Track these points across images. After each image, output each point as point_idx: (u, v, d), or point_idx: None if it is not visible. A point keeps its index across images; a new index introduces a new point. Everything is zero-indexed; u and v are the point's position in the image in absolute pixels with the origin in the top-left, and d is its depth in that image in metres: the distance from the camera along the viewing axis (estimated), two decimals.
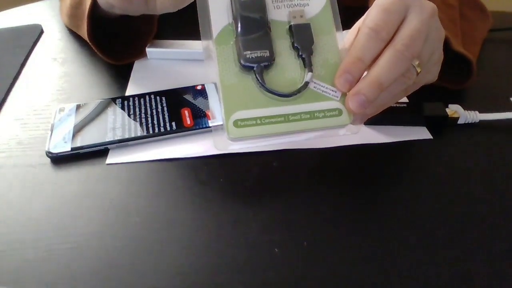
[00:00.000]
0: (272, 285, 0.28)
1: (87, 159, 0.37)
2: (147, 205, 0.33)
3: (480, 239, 0.31)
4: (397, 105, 0.40)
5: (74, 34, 0.54)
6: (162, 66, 0.49)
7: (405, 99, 0.43)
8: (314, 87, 0.32)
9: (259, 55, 0.32)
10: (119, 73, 0.48)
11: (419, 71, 0.33)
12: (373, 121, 0.40)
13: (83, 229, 0.32)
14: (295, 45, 0.33)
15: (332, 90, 0.32)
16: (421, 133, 0.40)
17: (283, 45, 0.33)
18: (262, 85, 0.31)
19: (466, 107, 0.40)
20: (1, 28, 0.56)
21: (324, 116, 0.32)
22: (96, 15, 0.46)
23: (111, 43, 0.48)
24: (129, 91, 0.45)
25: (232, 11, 0.33)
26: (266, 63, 0.32)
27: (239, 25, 0.32)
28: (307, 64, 0.32)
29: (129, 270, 0.29)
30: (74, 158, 0.37)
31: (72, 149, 0.37)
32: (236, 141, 0.32)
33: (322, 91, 0.32)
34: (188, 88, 0.44)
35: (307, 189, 0.35)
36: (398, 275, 0.29)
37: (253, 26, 0.32)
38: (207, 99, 0.42)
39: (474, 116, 0.40)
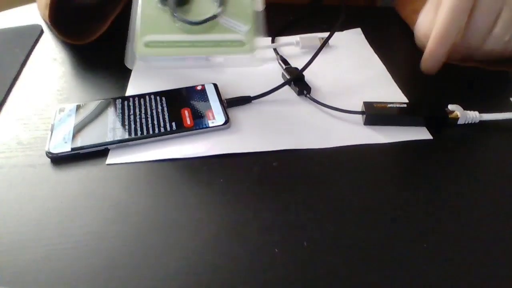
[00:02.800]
0: (272, 285, 0.28)
1: (87, 159, 0.37)
2: (147, 205, 0.33)
3: (479, 240, 0.31)
4: (397, 105, 0.40)
5: None
6: (162, 66, 0.49)
7: (405, 99, 0.43)
8: (224, 23, 0.37)
9: None
10: (119, 73, 0.48)
11: None
12: (373, 121, 0.40)
13: (83, 229, 0.32)
14: None
15: (239, 26, 0.37)
16: (421, 133, 0.40)
17: None
18: (174, 13, 0.36)
19: (466, 107, 0.40)
20: (1, 28, 0.56)
21: (228, 45, 0.38)
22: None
23: (72, 26, 0.51)
24: (129, 91, 0.45)
25: None
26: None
27: None
28: (220, 1, 0.37)
29: (129, 270, 0.29)
30: (74, 158, 0.37)
31: (72, 149, 0.37)
32: (144, 60, 0.39)
33: (230, 26, 0.37)
34: (188, 88, 0.44)
35: (307, 189, 0.35)
36: (398, 275, 0.29)
37: None
38: (207, 99, 0.42)
39: (474, 116, 0.40)
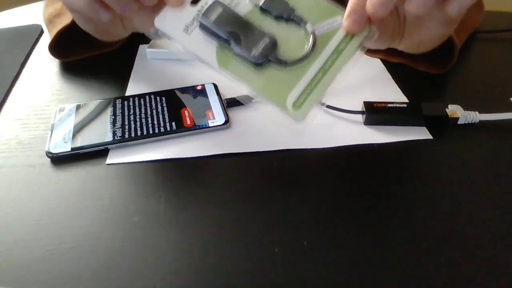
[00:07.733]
0: (272, 285, 0.28)
1: (87, 159, 0.37)
2: (147, 205, 0.33)
3: (480, 239, 0.31)
4: (397, 105, 0.40)
5: None
6: (162, 66, 0.49)
7: (405, 99, 0.43)
8: (318, 32, 0.33)
9: (263, 46, 0.33)
10: (119, 73, 0.48)
11: None
12: (373, 121, 0.40)
13: (83, 229, 0.32)
14: (276, 16, 0.34)
15: (333, 22, 0.33)
16: (421, 133, 0.40)
17: (269, 24, 0.34)
18: (285, 64, 0.32)
19: (466, 107, 0.40)
20: (1, 28, 0.56)
21: (347, 43, 0.33)
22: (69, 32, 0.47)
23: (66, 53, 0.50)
24: (129, 91, 0.45)
25: (212, 33, 0.33)
26: (273, 46, 0.33)
27: (225, 38, 0.33)
28: (298, 20, 0.33)
29: (128, 270, 0.29)
30: (74, 158, 0.37)
31: (72, 149, 0.37)
32: (305, 119, 0.33)
33: (327, 29, 0.33)
34: (188, 88, 0.44)
35: (307, 189, 0.35)
36: (398, 275, 0.29)
37: (236, 29, 0.33)
38: (207, 99, 0.42)
39: (474, 116, 0.40)
